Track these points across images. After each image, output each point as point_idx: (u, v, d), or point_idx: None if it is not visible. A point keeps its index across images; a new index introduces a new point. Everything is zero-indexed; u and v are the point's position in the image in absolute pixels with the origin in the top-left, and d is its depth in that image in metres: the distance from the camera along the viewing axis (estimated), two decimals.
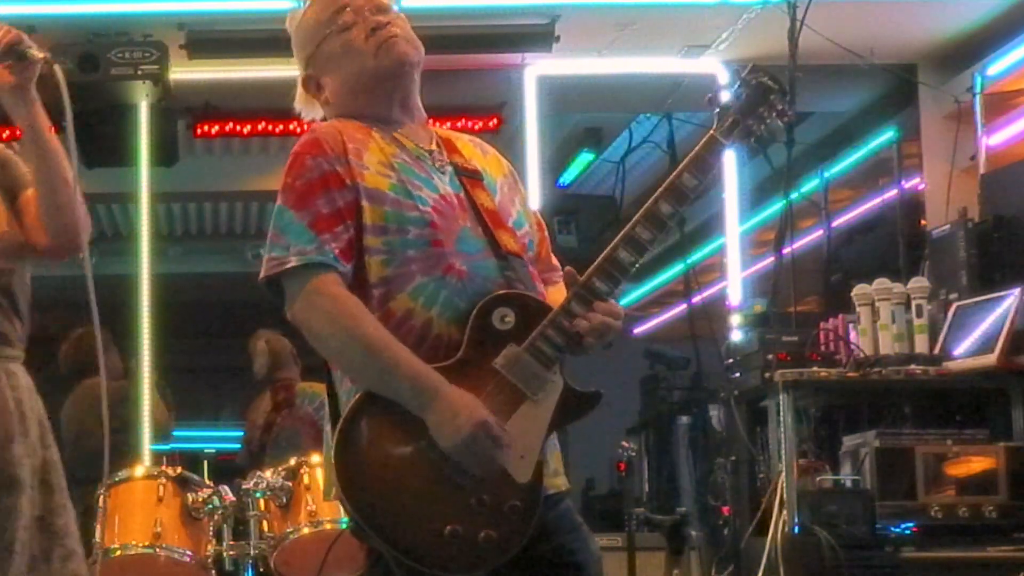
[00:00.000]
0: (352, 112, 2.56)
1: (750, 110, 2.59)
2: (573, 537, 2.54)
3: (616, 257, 2.46)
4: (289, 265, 2.39)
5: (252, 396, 6.95)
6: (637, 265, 2.50)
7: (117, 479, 4.80)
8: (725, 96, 2.60)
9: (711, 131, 2.58)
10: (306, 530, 4.66)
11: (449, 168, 2.54)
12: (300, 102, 2.71)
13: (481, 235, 2.48)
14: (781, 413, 5.03)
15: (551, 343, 2.40)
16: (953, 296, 5.48)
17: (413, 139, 2.55)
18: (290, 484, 4.76)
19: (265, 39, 6.27)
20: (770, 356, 5.24)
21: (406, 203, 2.43)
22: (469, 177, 2.54)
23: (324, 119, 2.64)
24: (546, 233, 2.73)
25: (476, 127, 6.67)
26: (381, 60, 2.53)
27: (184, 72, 6.49)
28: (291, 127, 7.34)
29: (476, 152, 2.65)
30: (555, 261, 2.71)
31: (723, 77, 6.62)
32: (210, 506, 4.75)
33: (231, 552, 4.78)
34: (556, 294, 2.57)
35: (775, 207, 6.45)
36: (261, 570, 4.81)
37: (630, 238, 2.47)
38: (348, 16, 2.56)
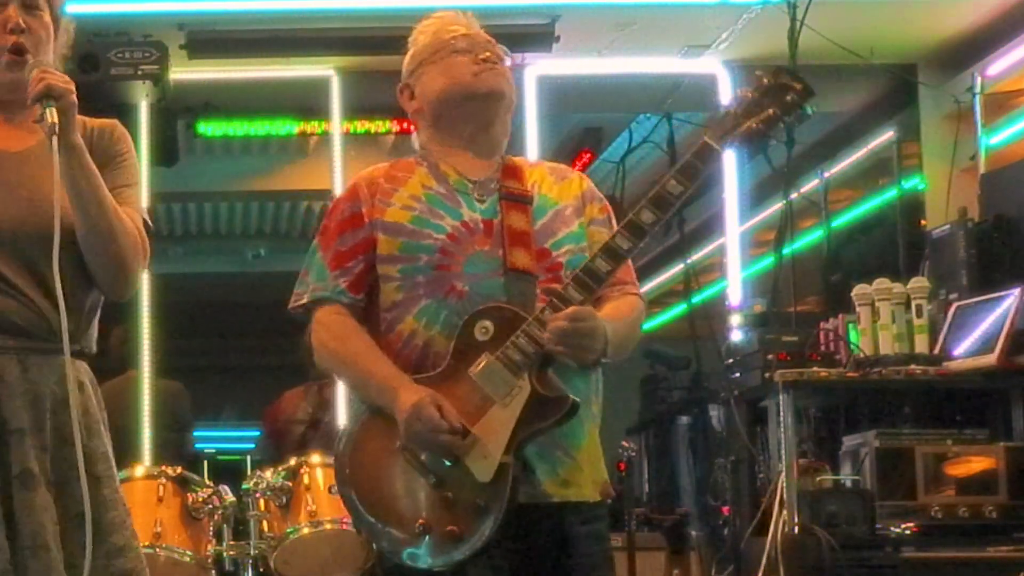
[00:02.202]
0: (435, 124, 2.77)
1: (754, 112, 2.60)
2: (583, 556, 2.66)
3: (592, 267, 2.57)
4: (303, 301, 2.74)
5: (279, 390, 6.89)
6: (614, 272, 2.59)
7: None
8: (731, 98, 2.65)
9: (703, 137, 2.61)
10: (306, 530, 4.67)
11: (494, 195, 2.70)
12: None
13: (499, 256, 2.64)
14: (781, 413, 5.02)
15: (521, 350, 2.55)
16: (953, 296, 5.47)
17: (464, 171, 2.73)
18: (290, 484, 4.77)
19: (265, 39, 6.27)
20: (770, 356, 5.24)
21: (422, 232, 2.65)
22: (512, 200, 2.70)
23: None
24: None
25: None
26: (477, 82, 2.72)
27: (184, 72, 6.50)
28: (291, 127, 7.38)
29: (547, 179, 2.77)
30: (624, 276, 2.75)
31: (723, 77, 6.64)
32: (210, 506, 4.76)
33: (231, 552, 4.79)
34: (610, 309, 2.67)
35: (775, 207, 6.44)
36: (261, 570, 4.81)
37: (609, 248, 2.58)
38: (464, 42, 2.78)
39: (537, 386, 2.54)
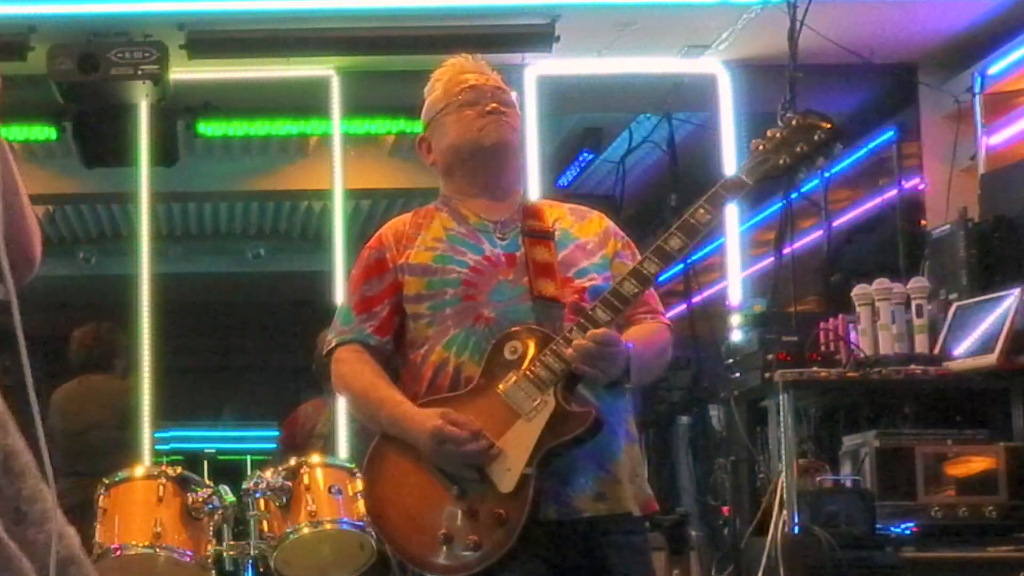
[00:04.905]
0: (449, 175, 2.89)
1: (784, 149, 2.69)
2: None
3: (620, 289, 2.66)
4: (331, 346, 2.88)
5: (279, 390, 6.87)
6: (640, 294, 2.68)
7: (117, 479, 4.80)
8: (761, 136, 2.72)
9: (738, 172, 2.73)
10: (306, 530, 4.66)
11: (515, 232, 2.81)
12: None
13: (524, 284, 2.74)
14: (781, 413, 5.02)
15: (547, 367, 2.64)
16: (953, 296, 5.47)
17: (483, 214, 2.84)
18: (290, 484, 4.76)
19: (265, 39, 6.27)
20: (770, 356, 5.24)
21: (447, 268, 2.76)
22: (534, 236, 2.80)
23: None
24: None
25: None
26: (482, 137, 2.80)
27: (184, 72, 6.50)
28: (291, 127, 7.38)
29: (567, 217, 2.89)
30: (653, 303, 2.85)
31: (723, 77, 6.63)
32: (210, 506, 4.75)
33: (231, 552, 4.78)
34: (636, 332, 2.76)
35: (775, 207, 6.44)
36: (261, 570, 4.80)
37: (637, 272, 2.67)
38: (470, 95, 2.85)
39: (562, 401, 2.62)
